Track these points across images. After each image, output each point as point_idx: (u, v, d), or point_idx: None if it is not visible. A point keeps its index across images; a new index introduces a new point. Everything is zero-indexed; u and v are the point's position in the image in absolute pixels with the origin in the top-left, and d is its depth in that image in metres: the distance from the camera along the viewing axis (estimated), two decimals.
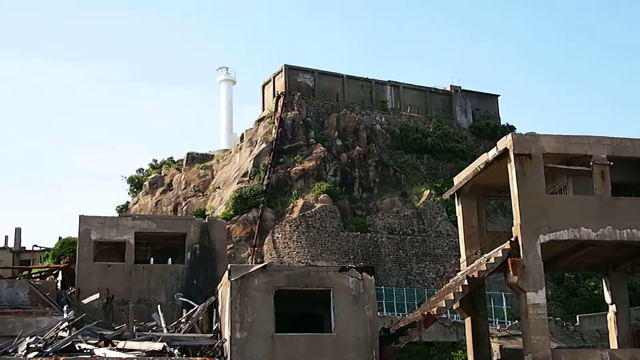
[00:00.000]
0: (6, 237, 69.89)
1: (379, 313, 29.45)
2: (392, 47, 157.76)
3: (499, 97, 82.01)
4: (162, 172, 75.90)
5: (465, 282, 27.42)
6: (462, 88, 79.90)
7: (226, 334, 25.98)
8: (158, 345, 25.03)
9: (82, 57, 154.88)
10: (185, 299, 32.75)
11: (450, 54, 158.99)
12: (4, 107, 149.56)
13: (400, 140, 71.38)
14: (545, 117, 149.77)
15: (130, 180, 79.54)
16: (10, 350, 25.03)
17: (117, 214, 60.16)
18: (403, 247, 60.77)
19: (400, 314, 47.47)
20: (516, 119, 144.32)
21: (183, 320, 29.48)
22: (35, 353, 24.15)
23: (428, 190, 65.13)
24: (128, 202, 76.60)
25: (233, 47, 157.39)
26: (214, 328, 28.78)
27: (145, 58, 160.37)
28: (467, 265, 30.81)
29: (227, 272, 26.43)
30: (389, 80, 76.41)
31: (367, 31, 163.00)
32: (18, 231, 69.08)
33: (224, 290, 27.28)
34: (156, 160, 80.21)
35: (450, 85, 79.46)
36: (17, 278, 40.81)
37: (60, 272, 38.78)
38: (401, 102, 75.86)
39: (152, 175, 76.00)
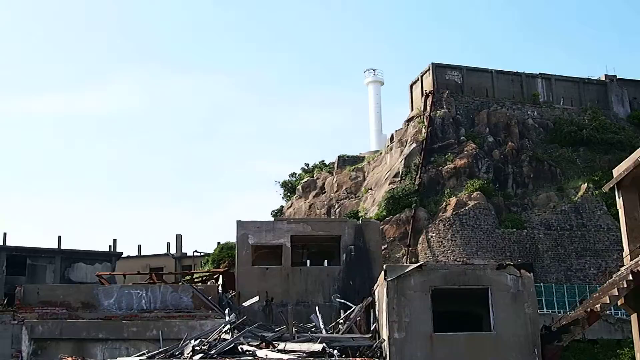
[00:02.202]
0: (168, 243, 72.51)
1: (538, 311, 28.68)
2: (542, 39, 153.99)
3: None
4: (314, 175, 76.80)
5: (630, 277, 26.41)
6: (617, 77, 76.99)
7: (384, 334, 25.98)
8: (317, 346, 25.30)
9: (231, 66, 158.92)
10: (342, 300, 32.99)
11: (603, 43, 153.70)
12: (176, 120, 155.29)
13: (554, 134, 69.46)
14: None
15: (284, 184, 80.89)
16: (177, 353, 25.91)
17: (272, 219, 61.35)
18: (561, 243, 59.11)
19: (561, 311, 46.13)
20: None
21: (341, 321, 29.68)
22: (200, 355, 24.87)
23: (585, 184, 63.12)
24: (282, 207, 77.92)
25: (379, 48, 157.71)
26: (371, 328, 28.83)
27: (293, 63, 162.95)
28: (630, 260, 29.63)
29: (382, 273, 26.43)
30: (539, 73, 74.53)
31: (513, 23, 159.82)
32: (179, 238, 71.56)
33: (380, 290, 27.29)
34: (308, 164, 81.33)
35: (605, 75, 76.70)
36: (180, 283, 42.21)
37: (220, 276, 39.88)
38: (553, 95, 73.78)
39: (305, 179, 77.02)
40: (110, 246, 71.66)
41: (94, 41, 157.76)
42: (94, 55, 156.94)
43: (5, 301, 35.13)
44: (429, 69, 71.46)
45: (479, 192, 60.27)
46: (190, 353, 25.42)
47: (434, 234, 58.40)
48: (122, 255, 68.85)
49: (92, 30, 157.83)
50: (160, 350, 26.79)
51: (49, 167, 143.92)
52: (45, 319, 31.00)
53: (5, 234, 66.15)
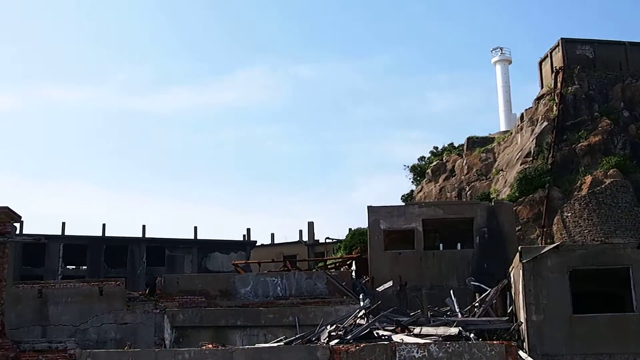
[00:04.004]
0: (300, 231, 73.46)
1: None
2: None
3: None
4: (444, 158, 76.09)
5: None
6: None
7: (521, 316, 25.56)
8: (454, 330, 25.10)
9: (357, 52, 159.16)
10: (477, 283, 32.62)
11: None
12: (304, 108, 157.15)
13: None
14: None
15: (413, 169, 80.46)
16: (314, 339, 26.20)
17: (402, 203, 61.19)
18: None
19: None
20: None
21: (476, 304, 29.37)
22: (336, 340, 25.06)
23: None
24: (412, 191, 77.58)
25: (506, 26, 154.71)
26: (508, 311, 28.42)
27: (419, 45, 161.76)
28: None
29: (518, 254, 25.99)
30: None
31: None
32: (311, 225, 72.36)
33: (516, 272, 26.85)
34: (437, 147, 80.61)
35: None
36: (314, 269, 42.69)
37: (353, 262, 40.08)
38: None
39: (434, 163, 76.40)
40: (244, 235, 73.26)
41: (217, 36, 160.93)
42: (218, 49, 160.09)
43: (147, 291, 36.33)
44: (558, 45, 69.49)
45: (615, 169, 58.29)
46: (327, 338, 25.65)
47: (569, 214, 56.90)
48: (256, 244, 70.19)
49: (211, 27, 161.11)
50: (297, 336, 27.14)
51: (182, 160, 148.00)
52: (185, 307, 31.92)
53: (144, 226, 68.65)
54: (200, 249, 68.34)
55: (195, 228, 69.94)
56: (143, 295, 34.82)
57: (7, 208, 25.62)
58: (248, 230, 73.08)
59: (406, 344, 23.78)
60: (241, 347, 25.57)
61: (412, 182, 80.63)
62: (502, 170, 66.46)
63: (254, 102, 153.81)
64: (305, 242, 71.33)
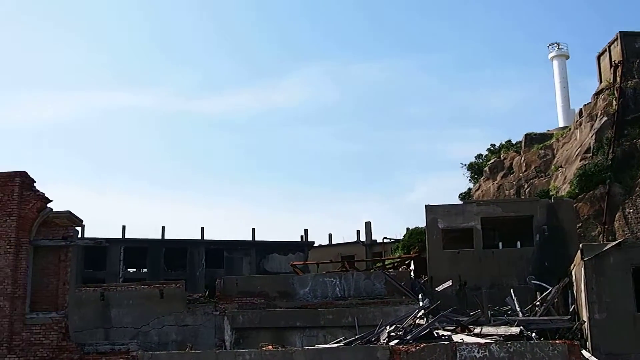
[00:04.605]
0: (357, 231, 73.25)
1: None
2: None
3: None
4: (501, 155, 75.34)
5: None
6: None
7: (584, 315, 25.22)
8: (515, 330, 24.84)
9: (411, 50, 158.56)
10: (537, 282, 32.23)
11: None
12: (361, 107, 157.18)
13: None
14: None
15: (470, 166, 79.82)
16: (373, 339, 26.15)
17: (460, 202, 60.71)
18: None
19: None
20: None
21: (537, 303, 29.03)
22: (396, 341, 24.99)
23: None
24: (470, 189, 76.98)
25: (562, 21, 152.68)
26: (570, 310, 28.04)
27: (473, 42, 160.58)
28: None
29: (579, 252, 25.62)
30: None
31: None
32: (368, 225, 72.13)
33: (577, 270, 26.47)
34: (494, 145, 79.82)
35: None
36: (372, 270, 42.60)
37: (411, 261, 39.91)
38: None
39: (492, 160, 75.68)
40: (302, 236, 73.37)
41: (269, 37, 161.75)
42: (271, 50, 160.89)
43: (207, 293, 36.62)
44: (616, 39, 68.30)
45: None
46: (386, 339, 25.59)
47: (631, 210, 55.88)
48: (314, 245, 70.25)
49: (263, 29, 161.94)
50: (356, 336, 27.12)
51: (239, 162, 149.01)
52: (244, 309, 32.09)
53: (202, 229, 69.14)
54: (258, 251, 68.67)
55: (253, 230, 70.34)
56: (203, 297, 35.13)
57: (69, 212, 26.05)
58: (306, 231, 73.27)
59: (467, 344, 23.60)
60: (301, 348, 25.64)
61: (469, 180, 80.00)
62: (561, 166, 65.60)
63: (308, 102, 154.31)
64: (362, 242, 71.15)
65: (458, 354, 23.03)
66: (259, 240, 69.61)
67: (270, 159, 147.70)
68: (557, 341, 23.71)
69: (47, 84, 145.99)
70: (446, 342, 24.08)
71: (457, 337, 24.68)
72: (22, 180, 25.99)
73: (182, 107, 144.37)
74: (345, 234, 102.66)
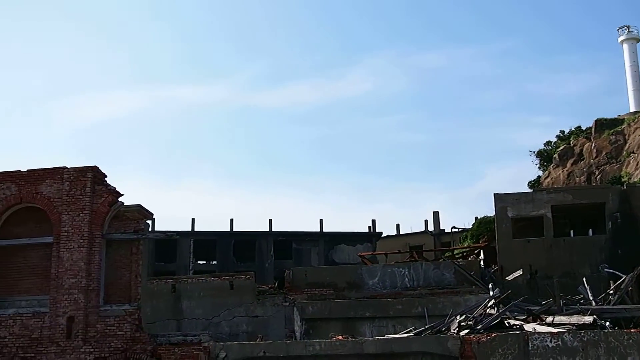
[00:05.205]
0: (426, 221, 72.85)
1: None
2: None
3: None
4: (571, 142, 74.16)
5: None
6: None
7: None
8: (588, 319, 24.41)
9: (475, 38, 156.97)
10: (610, 270, 31.68)
11: None
12: (424, 96, 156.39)
13: None
14: None
15: (539, 154, 78.76)
16: (443, 329, 25.99)
17: (529, 190, 59.93)
18: None
19: None
20: None
21: (611, 291, 28.50)
22: (466, 331, 24.78)
23: None
24: (539, 177, 75.96)
25: (631, 2, 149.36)
26: None
27: (540, 28, 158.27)
28: None
29: None
30: None
31: None
32: (436, 215, 71.69)
33: None
34: (563, 131, 78.61)
35: None
36: (441, 259, 42.35)
37: (481, 251, 39.57)
38: None
39: (561, 147, 74.57)
40: (369, 227, 73.25)
41: (340, 27, 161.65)
42: (337, 42, 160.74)
43: (276, 284, 36.85)
44: None
45: None
46: (457, 329, 25.40)
47: None
48: (382, 235, 70.10)
49: (331, 21, 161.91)
50: (426, 326, 26.99)
51: (305, 153, 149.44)
52: (314, 299, 32.20)
53: (270, 221, 69.48)
54: (326, 242, 68.75)
55: (321, 221, 70.43)
56: (272, 288, 35.34)
57: (140, 206, 26.44)
58: (373, 221, 73.12)
59: (539, 333, 23.29)
60: (371, 338, 25.60)
61: (538, 168, 78.93)
62: (633, 152, 64.30)
63: (373, 92, 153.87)
64: (431, 232, 70.73)
65: (530, 344, 22.74)
66: (326, 232, 69.69)
67: (337, 149, 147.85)
68: (632, 330, 23.24)
69: (117, 80, 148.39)
70: (518, 332, 23.80)
71: (528, 327, 24.37)
72: (94, 175, 26.44)
73: (250, 99, 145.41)
74: (412, 224, 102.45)
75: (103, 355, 25.05)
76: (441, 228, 70.87)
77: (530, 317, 25.76)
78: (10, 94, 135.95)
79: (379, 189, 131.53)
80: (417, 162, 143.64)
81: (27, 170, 26.94)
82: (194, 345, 24.84)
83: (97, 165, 26.61)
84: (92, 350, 25.13)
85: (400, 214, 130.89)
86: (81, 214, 26.03)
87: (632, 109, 75.02)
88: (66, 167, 26.57)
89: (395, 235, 72.66)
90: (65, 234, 25.94)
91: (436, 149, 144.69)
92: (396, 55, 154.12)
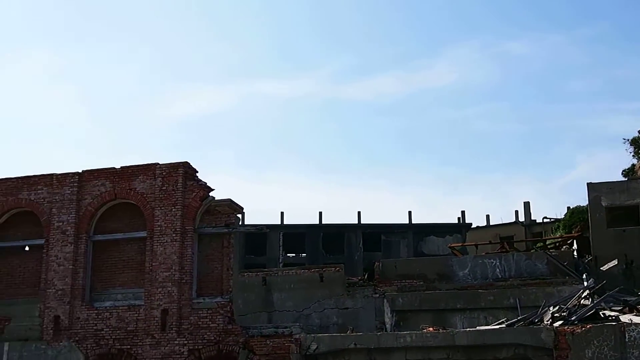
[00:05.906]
0: (516, 211, 71.88)
1: None
2: None
3: None
4: None
5: None
6: None
7: None
8: None
9: (564, 24, 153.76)
10: None
11: None
12: (511, 86, 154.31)
13: None
14: None
15: (634, 141, 76.80)
16: (536, 320, 25.61)
17: (624, 178, 58.46)
18: None
19: None
20: None
21: None
22: (560, 322, 24.38)
23: None
24: (633, 165, 74.10)
25: None
26: None
27: (632, 11, 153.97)
28: None
29: None
30: None
31: None
32: (527, 205, 70.64)
33: None
34: None
35: None
36: (533, 250, 41.74)
37: (574, 241, 38.85)
38: None
39: None
40: (459, 218, 72.70)
41: (422, 17, 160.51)
42: (420, 33, 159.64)
43: (366, 276, 36.89)
44: None
45: None
46: (550, 320, 25.00)
47: None
48: (472, 226, 69.50)
49: (415, 13, 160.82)
50: (519, 317, 26.64)
51: (393, 145, 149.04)
52: (404, 291, 32.13)
53: (359, 213, 69.59)
54: (415, 233, 68.49)
55: (410, 212, 70.21)
56: (362, 280, 35.40)
57: (230, 200, 26.80)
58: (462, 212, 72.55)
59: (636, 324, 22.75)
60: (463, 330, 25.42)
61: (632, 155, 76.95)
62: None
63: (459, 82, 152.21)
64: (521, 222, 69.74)
65: (627, 335, 22.24)
66: (415, 223, 69.45)
67: (422, 141, 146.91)
68: None
69: (206, 76, 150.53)
70: (613, 323, 23.29)
71: (625, 318, 23.83)
72: (185, 171, 26.92)
73: (336, 92, 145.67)
74: (502, 215, 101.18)
75: (197, 347, 25.52)
76: (532, 218, 69.84)
77: (627, 308, 25.17)
78: (108, 92, 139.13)
79: (466, 180, 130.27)
80: (506, 151, 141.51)
81: (121, 167, 27.62)
82: (285, 337, 25.08)
83: (188, 161, 27.09)
84: (185, 342, 25.62)
85: (490, 204, 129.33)
86: (173, 209, 26.55)
87: None
88: (158, 164, 27.12)
89: (485, 226, 71.94)
90: (159, 228, 26.51)
91: (525, 138, 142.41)
92: (480, 46, 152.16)
